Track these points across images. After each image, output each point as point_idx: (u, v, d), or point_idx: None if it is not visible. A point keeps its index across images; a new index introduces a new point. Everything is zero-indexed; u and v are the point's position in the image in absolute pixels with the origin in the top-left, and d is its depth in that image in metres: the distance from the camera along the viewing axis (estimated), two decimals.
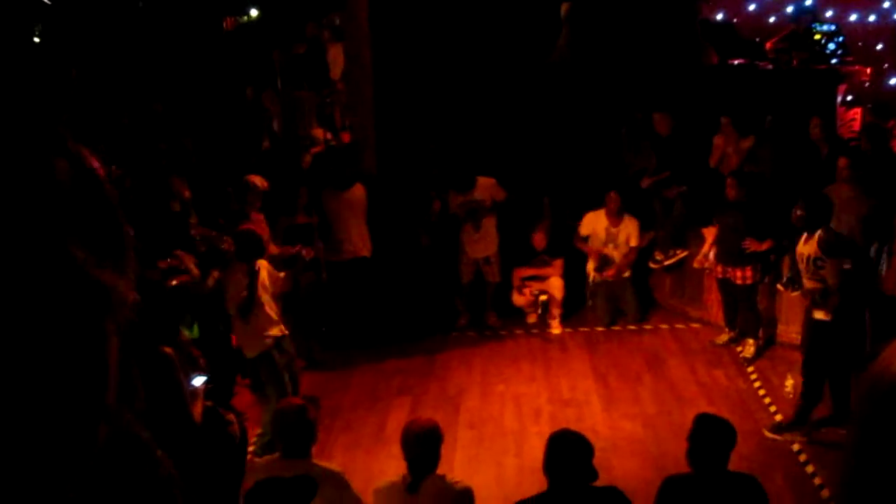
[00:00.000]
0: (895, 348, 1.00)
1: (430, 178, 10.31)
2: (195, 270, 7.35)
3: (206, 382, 5.00)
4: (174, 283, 6.96)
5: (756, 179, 8.89)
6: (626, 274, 10.06)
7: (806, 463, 6.80)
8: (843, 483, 1.04)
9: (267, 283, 7.24)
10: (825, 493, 6.35)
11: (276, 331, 7.25)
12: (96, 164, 1.03)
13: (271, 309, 7.24)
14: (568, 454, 4.48)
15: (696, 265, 9.62)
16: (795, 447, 7.00)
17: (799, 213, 7.13)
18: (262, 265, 7.26)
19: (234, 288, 7.19)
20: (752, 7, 11.80)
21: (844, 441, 1.09)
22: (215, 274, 7.58)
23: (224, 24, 11.10)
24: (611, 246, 9.97)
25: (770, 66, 10.82)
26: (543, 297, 9.90)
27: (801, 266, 7.15)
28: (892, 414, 0.95)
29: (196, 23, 9.56)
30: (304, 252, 7.72)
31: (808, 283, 7.11)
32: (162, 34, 9.04)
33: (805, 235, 7.11)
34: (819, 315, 7.02)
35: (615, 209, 9.85)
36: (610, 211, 9.87)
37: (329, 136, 11.65)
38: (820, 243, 6.91)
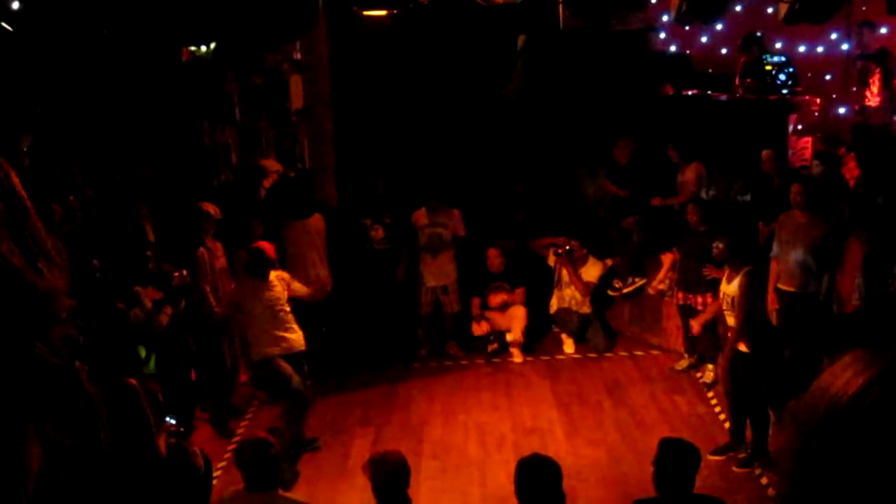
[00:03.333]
0: (833, 370, 0.99)
1: (373, 204, 10.37)
2: (149, 306, 7.28)
3: (169, 419, 4.94)
4: (131, 318, 6.92)
5: (716, 206, 9.02)
6: (588, 309, 10.10)
7: (768, 486, 6.86)
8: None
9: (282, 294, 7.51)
10: None
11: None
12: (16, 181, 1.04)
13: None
14: (539, 478, 4.49)
15: (651, 291, 9.72)
16: (757, 471, 7.06)
17: (720, 247, 7.24)
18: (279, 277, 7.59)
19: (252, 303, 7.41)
20: (704, 39, 12.02)
21: (780, 466, 1.06)
22: (168, 310, 7.51)
23: (181, 56, 11.04)
24: (573, 288, 10.04)
25: (723, 97, 11.02)
26: (509, 336, 9.92)
27: (724, 305, 7.26)
28: (829, 435, 0.94)
29: (155, 53, 9.51)
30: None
31: (730, 321, 7.20)
32: (123, 63, 8.98)
33: (728, 273, 7.22)
34: (743, 347, 7.10)
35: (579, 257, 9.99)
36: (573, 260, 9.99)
37: (286, 168, 11.60)
38: (742, 289, 6.97)
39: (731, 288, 7.09)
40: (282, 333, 7.47)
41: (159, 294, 7.49)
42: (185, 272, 7.77)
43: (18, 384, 0.92)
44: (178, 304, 7.70)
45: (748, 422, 7.22)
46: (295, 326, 7.59)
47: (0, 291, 0.93)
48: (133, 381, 4.31)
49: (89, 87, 8.79)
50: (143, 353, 7.20)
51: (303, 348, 7.62)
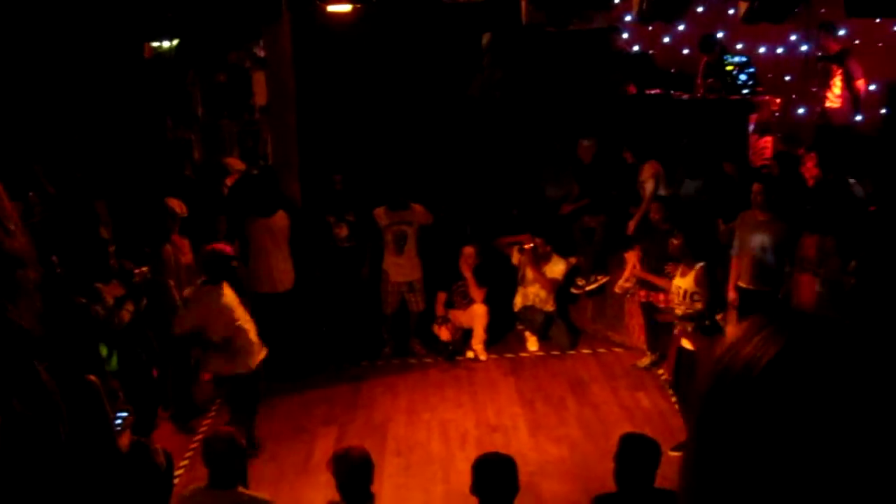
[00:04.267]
0: (743, 332, 0.99)
1: (333, 201, 10.34)
2: (110, 302, 7.22)
3: (129, 415, 4.90)
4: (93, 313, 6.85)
5: (678, 204, 9.09)
6: (551, 307, 10.15)
7: None
8: (684, 476, 1.02)
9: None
10: None
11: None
12: None
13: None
14: (495, 476, 4.52)
15: (616, 290, 9.78)
16: None
17: (676, 242, 7.36)
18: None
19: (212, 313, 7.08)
20: (666, 39, 12.12)
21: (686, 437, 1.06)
22: (129, 307, 7.44)
23: (144, 52, 10.96)
24: (538, 286, 10.08)
25: (685, 96, 11.12)
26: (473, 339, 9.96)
27: (677, 298, 7.37)
28: (739, 399, 0.95)
29: (117, 49, 9.42)
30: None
31: (679, 312, 7.32)
32: (85, 59, 8.89)
33: (682, 268, 7.35)
34: (688, 345, 7.19)
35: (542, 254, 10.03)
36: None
37: (244, 166, 11.55)
38: (697, 280, 7.14)
39: (684, 281, 7.21)
40: (247, 346, 7.21)
41: (121, 291, 7.43)
42: (145, 269, 7.71)
43: None
44: (140, 301, 7.63)
45: None
46: (254, 337, 7.30)
47: None
48: (94, 377, 4.29)
49: (51, 83, 8.69)
50: (104, 351, 7.13)
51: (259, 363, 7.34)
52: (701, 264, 7.15)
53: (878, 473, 0.89)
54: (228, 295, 7.19)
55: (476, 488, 4.55)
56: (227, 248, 7.45)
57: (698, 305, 7.13)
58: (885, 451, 0.89)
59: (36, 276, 1.01)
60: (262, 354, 7.32)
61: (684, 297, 7.20)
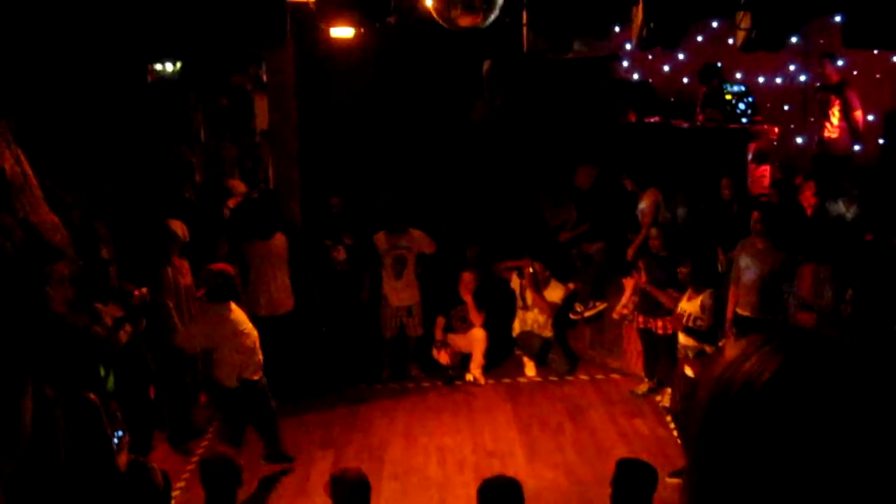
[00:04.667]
0: (741, 350, 1.00)
1: (330, 224, 10.37)
2: (109, 323, 7.22)
3: (125, 434, 4.90)
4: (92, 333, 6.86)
5: (677, 231, 9.14)
6: (550, 333, 10.17)
7: None
8: (685, 496, 1.02)
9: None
10: None
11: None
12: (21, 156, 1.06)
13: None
14: (500, 499, 4.51)
15: (615, 316, 9.80)
16: None
17: (685, 271, 7.43)
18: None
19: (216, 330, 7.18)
20: (666, 68, 12.21)
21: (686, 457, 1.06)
22: (128, 328, 7.45)
23: (147, 75, 11.03)
24: (536, 311, 10.11)
25: (685, 125, 11.19)
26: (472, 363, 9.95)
27: (682, 321, 7.46)
28: (740, 416, 0.96)
29: (120, 71, 9.48)
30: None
31: (682, 338, 7.40)
32: (87, 81, 8.94)
33: (689, 292, 7.44)
34: (689, 372, 7.21)
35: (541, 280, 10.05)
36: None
37: (245, 188, 11.60)
38: (703, 308, 7.22)
39: (690, 305, 7.26)
40: (253, 359, 7.33)
41: (120, 312, 7.44)
42: (144, 290, 7.72)
43: (26, 337, 0.94)
44: (139, 322, 7.64)
45: None
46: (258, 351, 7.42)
47: (17, 243, 0.95)
48: (93, 396, 4.30)
49: (54, 104, 8.74)
50: (101, 372, 7.13)
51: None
52: (709, 290, 7.21)
53: (879, 488, 0.89)
54: (236, 311, 7.28)
55: None
56: (230, 268, 7.51)
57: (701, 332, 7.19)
58: (885, 466, 0.90)
59: (73, 269, 1.04)
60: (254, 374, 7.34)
61: (687, 320, 7.28)
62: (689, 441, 1.03)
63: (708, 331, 7.09)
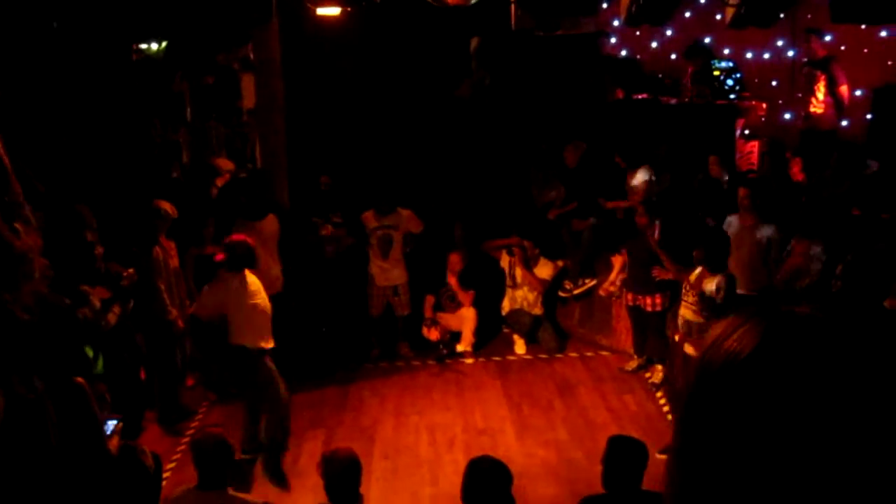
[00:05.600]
0: (724, 328, 1.02)
1: (319, 202, 10.35)
2: (97, 305, 7.19)
3: (119, 422, 4.90)
4: (78, 318, 6.81)
5: (665, 207, 9.13)
6: (539, 310, 10.19)
7: None
8: (670, 474, 1.04)
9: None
10: None
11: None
12: None
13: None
14: (486, 481, 4.50)
15: (601, 293, 9.82)
16: None
17: (700, 255, 7.22)
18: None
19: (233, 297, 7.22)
20: (654, 44, 12.17)
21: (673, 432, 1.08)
22: (116, 310, 7.42)
23: (133, 54, 10.93)
24: (526, 289, 10.12)
25: (673, 101, 11.18)
26: (460, 342, 9.95)
27: (689, 296, 7.20)
28: (722, 392, 0.97)
29: (104, 49, 9.39)
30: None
31: (689, 314, 7.18)
32: (72, 60, 8.86)
33: (702, 270, 7.18)
34: (690, 350, 7.10)
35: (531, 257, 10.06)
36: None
37: (233, 166, 11.54)
38: (719, 289, 6.97)
39: (707, 283, 7.03)
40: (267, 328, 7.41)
41: (108, 294, 7.40)
42: (131, 271, 7.67)
43: None
44: (127, 304, 7.61)
45: None
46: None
47: None
48: (81, 380, 4.28)
49: (38, 84, 8.67)
50: (90, 354, 7.11)
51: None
52: (725, 274, 7.04)
53: (860, 461, 0.91)
54: (252, 281, 7.36)
55: (465, 492, 4.52)
56: (250, 239, 7.51)
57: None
58: (865, 438, 0.91)
59: (43, 263, 1.03)
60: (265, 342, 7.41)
61: (699, 297, 7.06)
62: (676, 419, 1.06)
63: (720, 308, 6.93)
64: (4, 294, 0.97)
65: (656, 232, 8.67)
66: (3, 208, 0.99)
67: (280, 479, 7.24)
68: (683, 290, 7.36)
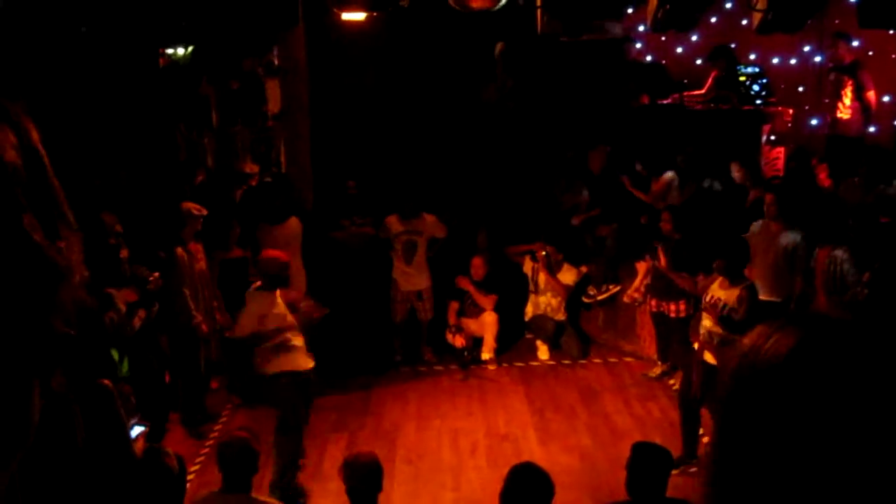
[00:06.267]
0: (759, 334, 1.05)
1: (346, 206, 10.37)
2: (123, 309, 7.23)
3: (146, 428, 4.94)
4: (104, 322, 6.87)
5: (689, 214, 9.08)
6: (562, 316, 10.17)
7: None
8: (710, 472, 1.07)
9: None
10: None
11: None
12: (36, 138, 1.04)
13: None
14: (529, 488, 4.49)
15: (626, 299, 9.77)
16: None
17: (720, 265, 7.10)
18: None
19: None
20: (679, 49, 12.13)
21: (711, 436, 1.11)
22: (141, 314, 7.46)
23: (159, 59, 11.01)
24: (549, 294, 10.11)
25: (698, 107, 11.12)
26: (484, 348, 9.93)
27: (707, 306, 7.09)
28: (760, 397, 1.00)
29: (132, 55, 9.47)
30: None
31: (709, 323, 7.06)
32: (100, 65, 8.93)
33: (721, 280, 7.08)
34: (710, 358, 7.01)
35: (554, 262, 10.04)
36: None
37: (262, 172, 11.61)
38: (740, 300, 6.87)
39: (726, 294, 6.95)
40: (293, 347, 7.23)
41: (133, 296, 7.45)
42: (157, 275, 7.71)
43: (31, 348, 0.95)
44: (152, 307, 7.66)
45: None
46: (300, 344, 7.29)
47: (22, 266, 0.94)
48: (107, 382, 4.32)
49: (64, 90, 8.74)
50: (116, 357, 7.16)
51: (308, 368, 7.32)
52: (748, 284, 6.96)
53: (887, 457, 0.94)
54: (280, 304, 7.20)
55: (505, 496, 4.50)
56: (283, 256, 7.45)
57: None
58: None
59: (85, 274, 1.04)
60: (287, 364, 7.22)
61: (721, 308, 6.95)
62: (714, 420, 1.09)
63: (740, 323, 6.85)
64: (47, 310, 0.98)
65: (661, 260, 8.63)
66: (47, 222, 0.99)
67: (297, 495, 7.17)
68: (703, 300, 7.28)
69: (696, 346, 7.42)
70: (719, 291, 7.07)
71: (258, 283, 7.31)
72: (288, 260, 7.46)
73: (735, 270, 7.02)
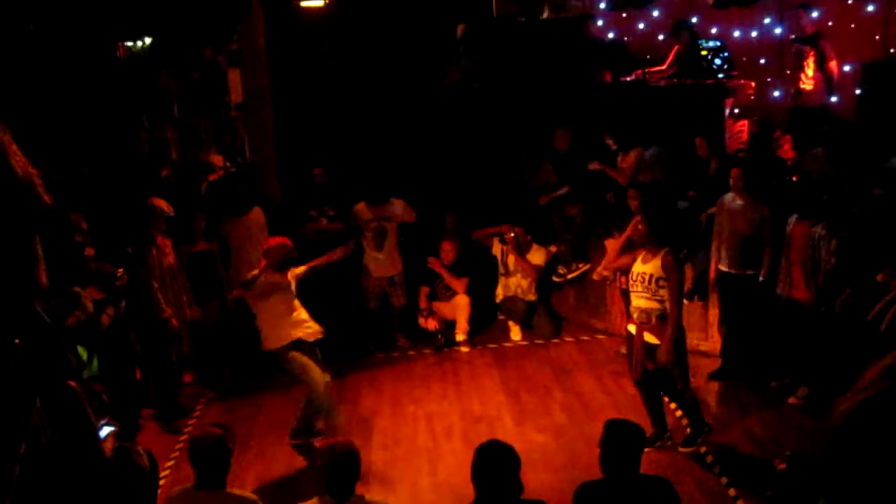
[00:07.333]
0: (875, 371, 1.16)
1: (313, 195, 10.33)
2: (90, 307, 7.15)
3: (115, 428, 4.87)
4: (71, 320, 6.78)
5: (655, 189, 9.09)
6: (533, 296, 10.19)
7: (713, 464, 6.97)
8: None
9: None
10: (732, 491, 6.54)
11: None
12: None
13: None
14: (496, 464, 4.49)
15: (595, 277, 9.79)
16: (703, 449, 7.17)
17: (641, 227, 6.94)
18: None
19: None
20: (641, 26, 12.14)
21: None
22: (110, 311, 7.39)
23: (117, 52, 10.87)
24: (519, 275, 10.13)
25: (661, 83, 11.13)
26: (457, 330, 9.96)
27: (637, 285, 6.93)
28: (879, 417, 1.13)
29: (88, 49, 9.34)
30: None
31: (642, 303, 6.91)
32: (53, 59, 8.80)
33: (644, 254, 6.94)
34: (650, 339, 6.91)
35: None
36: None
37: (227, 163, 11.53)
38: (664, 265, 6.75)
39: (649, 266, 6.82)
40: (297, 320, 7.51)
41: (100, 294, 7.37)
42: (122, 271, 7.62)
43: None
44: (119, 304, 7.58)
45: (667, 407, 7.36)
46: (306, 316, 7.59)
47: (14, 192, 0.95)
48: (73, 383, 4.25)
49: (23, 84, 8.62)
50: (84, 355, 7.08)
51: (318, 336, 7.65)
52: (665, 248, 6.80)
53: None
54: (291, 283, 7.50)
55: (475, 474, 4.50)
56: (288, 241, 7.55)
57: (663, 292, 6.78)
58: None
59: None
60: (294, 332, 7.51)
61: (650, 282, 6.81)
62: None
63: (675, 288, 6.75)
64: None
65: (621, 236, 8.38)
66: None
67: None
68: (631, 280, 7.05)
69: (631, 329, 7.12)
70: (643, 266, 6.88)
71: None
72: (289, 244, 7.54)
73: (657, 235, 6.84)
